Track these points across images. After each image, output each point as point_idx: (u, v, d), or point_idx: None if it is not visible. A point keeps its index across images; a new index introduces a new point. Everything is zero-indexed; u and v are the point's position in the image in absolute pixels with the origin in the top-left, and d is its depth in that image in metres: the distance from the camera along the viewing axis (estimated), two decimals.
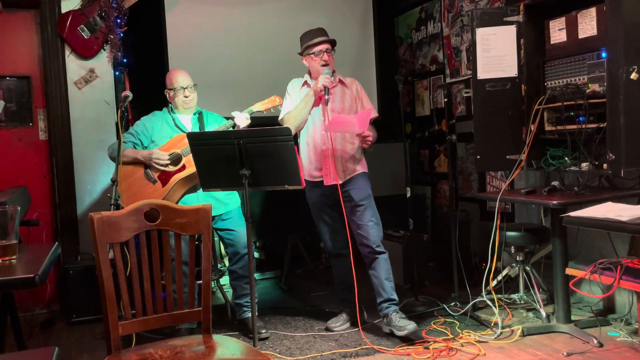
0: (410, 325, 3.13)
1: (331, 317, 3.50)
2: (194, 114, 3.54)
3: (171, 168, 3.33)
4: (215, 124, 3.52)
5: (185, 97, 3.44)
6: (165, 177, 3.34)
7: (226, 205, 3.45)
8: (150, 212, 1.97)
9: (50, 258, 2.11)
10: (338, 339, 3.27)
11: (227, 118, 3.50)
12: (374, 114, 3.28)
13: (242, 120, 3.34)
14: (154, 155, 3.30)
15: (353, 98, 3.38)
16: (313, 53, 3.30)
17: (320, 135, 3.29)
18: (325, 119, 3.26)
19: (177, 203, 3.28)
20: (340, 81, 3.37)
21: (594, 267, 2.49)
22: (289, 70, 4.65)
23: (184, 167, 3.33)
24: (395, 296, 3.31)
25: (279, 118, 3.41)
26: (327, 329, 3.39)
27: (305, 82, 3.41)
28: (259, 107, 3.44)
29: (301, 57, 3.40)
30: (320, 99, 3.27)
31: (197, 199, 3.38)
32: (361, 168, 3.37)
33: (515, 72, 3.49)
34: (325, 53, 3.30)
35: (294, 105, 3.37)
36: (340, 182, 3.26)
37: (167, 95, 3.51)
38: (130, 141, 3.40)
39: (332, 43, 3.35)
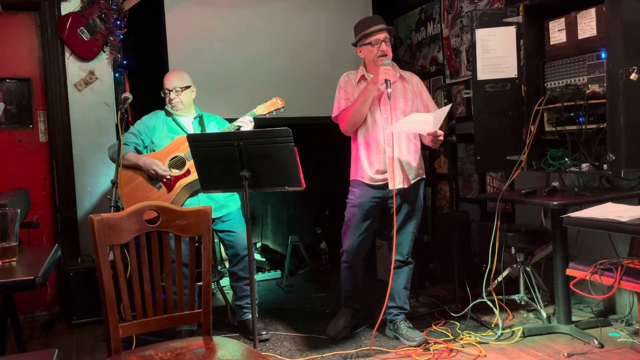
0: (419, 337, 3.12)
1: (331, 318, 3.48)
2: (195, 117, 3.53)
3: (175, 172, 3.32)
4: (216, 127, 3.51)
5: (171, 99, 3.43)
6: (170, 182, 3.32)
7: (226, 207, 3.45)
8: (150, 214, 1.97)
9: (51, 260, 2.11)
10: (339, 340, 3.26)
11: (228, 120, 3.50)
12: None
13: (246, 124, 3.33)
14: (154, 167, 3.26)
15: (414, 93, 3.18)
16: (370, 43, 3.07)
17: (384, 134, 3.07)
18: (390, 116, 3.02)
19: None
20: (400, 75, 3.17)
21: (594, 268, 2.49)
22: (290, 71, 4.69)
23: (188, 172, 3.30)
24: (407, 306, 3.30)
25: (332, 116, 3.21)
26: (328, 336, 3.26)
27: (363, 77, 3.18)
28: (262, 110, 3.41)
29: (355, 47, 3.19)
30: (382, 94, 3.04)
31: (198, 202, 3.37)
32: (422, 172, 3.23)
33: (515, 73, 3.49)
34: (383, 42, 3.07)
35: (350, 100, 3.13)
36: (406, 186, 3.10)
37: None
38: (132, 142, 3.39)
39: (390, 32, 3.11)
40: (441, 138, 2.99)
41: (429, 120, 2.87)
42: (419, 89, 3.23)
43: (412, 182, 3.15)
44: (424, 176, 3.26)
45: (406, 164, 3.12)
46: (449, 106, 2.97)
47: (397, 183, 3.08)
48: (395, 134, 3.07)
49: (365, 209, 3.17)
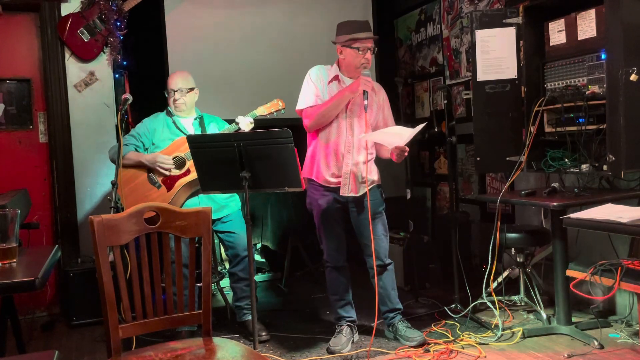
0: (419, 337, 3.12)
1: (330, 319, 3.47)
2: (195, 118, 3.53)
3: (175, 172, 3.32)
4: (216, 128, 3.51)
5: (175, 99, 3.44)
6: (169, 181, 3.32)
7: (226, 208, 3.45)
8: (151, 214, 1.97)
9: (51, 261, 2.11)
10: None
11: (228, 121, 3.50)
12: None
13: (246, 124, 3.33)
14: (159, 159, 3.28)
15: (379, 106, 3.19)
16: (357, 48, 3.02)
17: (345, 140, 3.08)
18: (356, 124, 3.07)
19: (181, 207, 3.29)
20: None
21: (594, 269, 2.49)
22: (290, 72, 4.68)
23: (188, 172, 3.31)
24: (400, 305, 3.29)
25: (297, 108, 3.13)
26: (330, 352, 3.11)
27: (337, 77, 3.13)
28: (262, 111, 3.42)
29: (336, 45, 3.11)
30: (351, 101, 3.05)
31: (198, 203, 3.38)
32: (377, 179, 3.22)
33: (515, 74, 3.49)
34: (369, 51, 3.04)
35: (319, 97, 3.08)
36: (359, 194, 3.10)
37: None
38: (132, 144, 3.39)
39: (375, 42, 3.10)
40: (406, 154, 3.00)
41: (405, 135, 2.87)
42: (384, 103, 3.23)
43: (365, 190, 3.12)
44: (380, 182, 3.24)
45: (360, 172, 3.09)
46: (424, 125, 2.94)
47: (349, 190, 3.10)
48: (357, 142, 3.08)
49: (330, 214, 3.16)
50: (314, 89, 3.11)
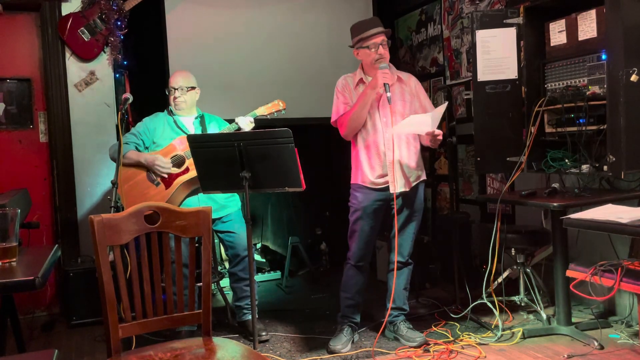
0: (419, 338, 3.12)
1: (331, 319, 3.48)
2: (196, 117, 3.53)
3: (175, 170, 3.32)
4: (216, 128, 3.51)
5: (175, 97, 3.44)
6: (168, 179, 3.32)
7: (226, 208, 3.45)
8: (151, 214, 1.97)
9: (51, 260, 2.11)
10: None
11: (228, 121, 3.50)
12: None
13: (246, 124, 3.33)
14: (157, 161, 3.28)
15: (412, 94, 3.16)
16: (367, 47, 3.04)
17: (384, 138, 3.06)
18: (389, 120, 3.01)
19: (179, 206, 3.29)
20: (398, 77, 3.14)
21: (594, 269, 2.49)
22: (291, 72, 4.69)
23: (187, 170, 3.31)
24: (407, 307, 3.29)
25: (332, 120, 3.18)
26: (330, 352, 3.10)
27: (361, 80, 3.14)
28: (263, 111, 3.42)
29: (353, 49, 3.13)
30: (380, 97, 3.03)
31: (198, 202, 3.38)
32: (423, 174, 3.21)
33: (515, 74, 3.49)
34: (380, 46, 3.04)
35: (349, 104, 3.10)
36: (407, 189, 3.08)
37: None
38: (132, 142, 3.39)
39: (387, 34, 3.08)
40: (440, 138, 2.97)
41: (427, 120, 2.86)
42: (417, 90, 3.20)
43: (413, 184, 3.14)
44: (424, 177, 3.24)
45: (407, 167, 3.10)
46: (445, 104, 2.95)
47: (398, 187, 3.07)
48: (396, 136, 3.06)
49: (369, 212, 3.13)
50: (342, 98, 3.14)
